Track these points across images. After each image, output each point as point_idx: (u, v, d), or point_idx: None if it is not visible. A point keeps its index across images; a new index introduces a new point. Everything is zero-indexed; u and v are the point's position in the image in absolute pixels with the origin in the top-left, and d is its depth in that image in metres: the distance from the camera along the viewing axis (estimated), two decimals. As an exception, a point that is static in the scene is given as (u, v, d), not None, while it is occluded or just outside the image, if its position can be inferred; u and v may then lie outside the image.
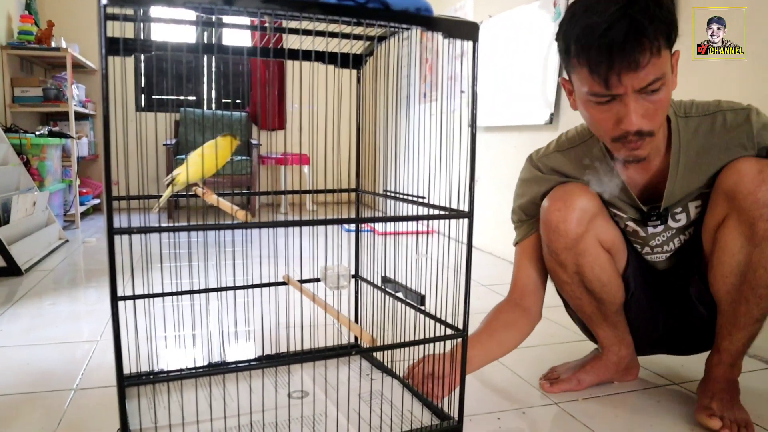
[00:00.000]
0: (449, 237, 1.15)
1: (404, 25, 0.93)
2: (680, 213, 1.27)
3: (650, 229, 1.31)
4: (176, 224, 0.85)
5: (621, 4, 1.01)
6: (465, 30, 0.96)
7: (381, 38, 1.14)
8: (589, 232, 1.27)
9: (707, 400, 1.26)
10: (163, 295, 1.27)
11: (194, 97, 5.07)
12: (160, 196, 1.22)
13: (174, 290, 1.31)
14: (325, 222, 0.85)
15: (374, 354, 1.46)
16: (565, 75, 1.20)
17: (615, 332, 1.40)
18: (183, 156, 4.35)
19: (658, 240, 1.32)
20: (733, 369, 1.27)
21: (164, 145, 4.56)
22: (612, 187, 1.28)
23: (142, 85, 5.00)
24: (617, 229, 1.34)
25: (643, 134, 1.10)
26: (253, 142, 4.68)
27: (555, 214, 1.26)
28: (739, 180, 1.12)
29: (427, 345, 1.19)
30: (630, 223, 1.33)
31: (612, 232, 1.32)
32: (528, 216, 1.40)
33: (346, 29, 1.05)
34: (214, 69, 4.85)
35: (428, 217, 1.01)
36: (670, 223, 1.29)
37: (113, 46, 0.98)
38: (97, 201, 4.51)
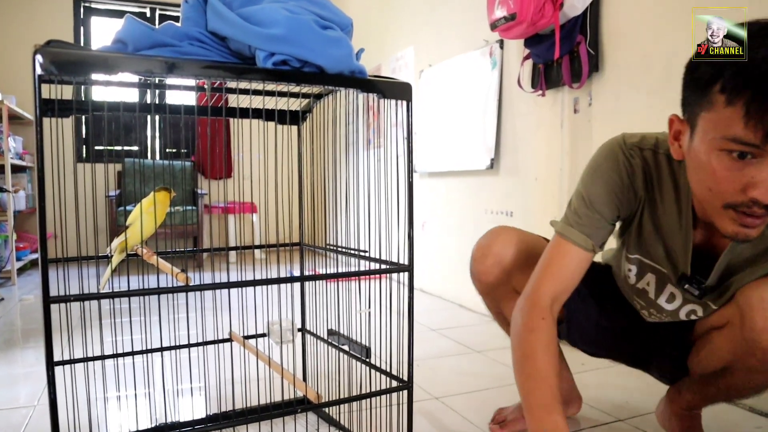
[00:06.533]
0: (398, 282, 1.16)
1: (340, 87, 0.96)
2: (698, 306, 1.18)
3: (667, 296, 1.18)
4: (114, 291, 0.84)
5: None
6: (399, 90, 1.00)
7: (318, 96, 1.17)
8: (507, 282, 1.29)
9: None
10: (103, 357, 1.24)
11: (137, 147, 5.00)
12: (99, 255, 1.20)
13: (116, 351, 1.27)
14: (266, 282, 0.86)
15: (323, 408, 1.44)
16: (680, 113, 0.97)
17: None
18: (127, 207, 4.26)
19: (659, 315, 1.25)
20: (692, 411, 1.32)
21: (107, 196, 4.46)
22: (679, 235, 1.09)
23: (83, 136, 4.92)
24: None
25: None
26: (199, 191, 4.64)
27: (475, 262, 1.33)
28: (756, 308, 1.01)
29: (372, 398, 1.19)
30: (650, 278, 1.19)
31: None
32: (594, 213, 1.11)
33: (284, 89, 1.08)
34: (158, 119, 4.81)
35: (369, 273, 1.02)
36: (682, 312, 1.19)
37: (49, 107, 0.98)
38: (35, 256, 4.35)
